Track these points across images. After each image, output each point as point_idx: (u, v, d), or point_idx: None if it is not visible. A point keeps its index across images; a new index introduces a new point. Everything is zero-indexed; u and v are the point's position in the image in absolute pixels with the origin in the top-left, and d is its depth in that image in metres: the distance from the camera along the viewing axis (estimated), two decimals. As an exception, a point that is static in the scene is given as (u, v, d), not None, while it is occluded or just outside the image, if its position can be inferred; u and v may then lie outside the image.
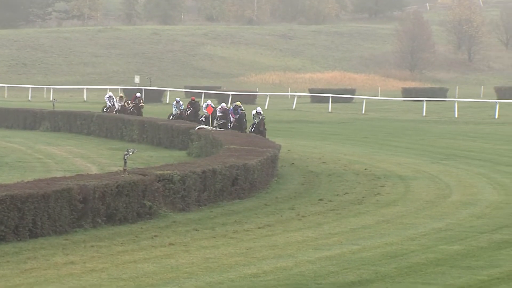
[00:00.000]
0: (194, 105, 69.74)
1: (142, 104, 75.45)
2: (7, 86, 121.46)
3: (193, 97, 74.12)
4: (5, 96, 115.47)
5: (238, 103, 61.64)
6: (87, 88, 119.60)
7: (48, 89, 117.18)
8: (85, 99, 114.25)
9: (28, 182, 33.52)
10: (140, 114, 72.80)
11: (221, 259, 27.37)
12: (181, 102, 71.14)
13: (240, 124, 58.68)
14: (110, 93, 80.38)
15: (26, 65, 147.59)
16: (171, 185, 36.15)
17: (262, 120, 57.92)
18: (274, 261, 27.06)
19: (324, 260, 27.06)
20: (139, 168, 38.78)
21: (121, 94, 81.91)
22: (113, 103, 76.60)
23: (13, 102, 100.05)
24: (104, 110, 77.15)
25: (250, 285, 24.12)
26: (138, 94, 78.87)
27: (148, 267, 26.38)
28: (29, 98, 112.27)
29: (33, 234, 30.26)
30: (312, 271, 25.60)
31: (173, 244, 29.94)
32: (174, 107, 71.37)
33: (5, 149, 57.71)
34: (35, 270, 25.96)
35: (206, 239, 30.78)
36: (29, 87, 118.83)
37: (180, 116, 68.64)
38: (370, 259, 27.29)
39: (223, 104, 57.04)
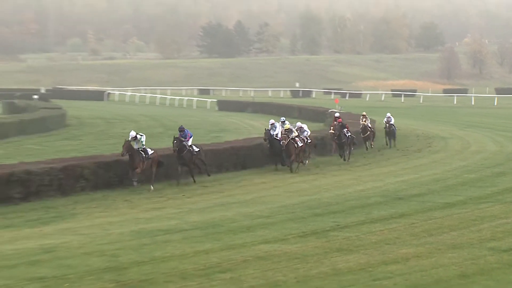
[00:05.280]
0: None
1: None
2: (225, 89, 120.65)
3: (340, 119, 36.14)
4: (223, 94, 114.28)
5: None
6: (271, 90, 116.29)
7: (250, 91, 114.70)
8: (269, 95, 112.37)
9: (239, 140, 34.29)
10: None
11: (343, 182, 27.45)
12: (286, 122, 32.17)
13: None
14: (271, 120, 32.41)
15: (239, 77, 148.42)
16: (368, 133, 38.67)
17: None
18: (372, 183, 26.99)
19: (400, 183, 26.88)
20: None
21: (364, 113, 41.59)
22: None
23: (233, 97, 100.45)
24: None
25: (358, 195, 24.01)
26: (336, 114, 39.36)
27: (303, 185, 26.55)
28: (240, 95, 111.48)
29: (244, 167, 30.71)
30: (393, 188, 25.53)
31: (317, 173, 30.08)
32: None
33: (229, 123, 57.32)
34: (244, 187, 26.47)
35: (335, 171, 30.86)
36: (239, 89, 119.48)
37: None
38: (425, 182, 27.12)
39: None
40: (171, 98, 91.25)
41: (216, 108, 78.90)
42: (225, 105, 78.88)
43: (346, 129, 34.91)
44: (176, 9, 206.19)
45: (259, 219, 20.03)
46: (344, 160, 34.25)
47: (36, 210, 21.37)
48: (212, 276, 14.24)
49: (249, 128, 52.39)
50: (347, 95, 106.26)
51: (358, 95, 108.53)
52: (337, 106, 58.16)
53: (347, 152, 34.68)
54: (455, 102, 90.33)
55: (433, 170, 30.38)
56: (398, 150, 38.70)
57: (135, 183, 25.21)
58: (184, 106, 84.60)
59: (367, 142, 39.60)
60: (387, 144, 40.57)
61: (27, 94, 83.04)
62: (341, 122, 35.17)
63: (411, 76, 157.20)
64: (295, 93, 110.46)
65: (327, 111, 56.37)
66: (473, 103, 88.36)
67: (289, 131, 30.92)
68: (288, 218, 20.16)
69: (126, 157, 25.17)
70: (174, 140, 26.87)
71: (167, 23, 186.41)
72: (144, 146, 25.88)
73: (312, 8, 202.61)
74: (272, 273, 14.44)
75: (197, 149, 27.57)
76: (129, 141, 25.37)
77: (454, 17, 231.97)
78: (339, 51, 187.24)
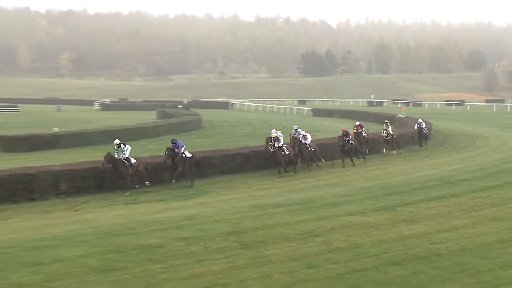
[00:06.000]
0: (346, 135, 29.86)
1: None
2: (318, 100, 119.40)
3: (344, 129, 30.33)
4: (316, 104, 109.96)
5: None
6: (352, 100, 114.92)
7: (337, 101, 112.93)
8: (351, 105, 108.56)
9: (328, 138, 32.79)
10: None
11: (407, 170, 26.77)
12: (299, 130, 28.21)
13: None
14: (273, 130, 26.54)
15: (328, 91, 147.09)
16: (389, 138, 32.90)
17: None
18: (430, 170, 26.24)
19: (450, 171, 26.00)
20: (372, 133, 35.88)
21: (386, 120, 35.84)
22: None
23: (323, 106, 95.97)
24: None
25: (419, 180, 23.41)
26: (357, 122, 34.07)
27: (377, 172, 26.05)
28: (329, 104, 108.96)
29: (332, 158, 29.65)
30: (446, 175, 24.80)
31: (387, 163, 29.40)
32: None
33: (320, 125, 55.74)
34: (332, 173, 26.05)
35: (401, 161, 30.06)
36: (328, 100, 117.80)
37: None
38: (470, 170, 26.15)
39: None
40: (278, 107, 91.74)
41: (311, 114, 78.53)
42: (317, 112, 78.37)
43: (348, 138, 29.15)
44: (282, 41, 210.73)
45: (343, 197, 19.96)
46: (354, 164, 28.90)
47: (181, 189, 22.00)
48: (308, 239, 14.37)
49: (335, 129, 51.28)
50: (410, 104, 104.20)
51: (419, 105, 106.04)
52: (403, 113, 57.13)
53: (352, 157, 29.21)
54: (494, 110, 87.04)
55: (477, 161, 29.52)
56: (450, 145, 37.27)
57: (128, 193, 20.90)
58: (287, 113, 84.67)
59: (388, 146, 33.79)
60: (420, 146, 36.20)
61: (174, 104, 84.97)
62: (345, 131, 29.44)
63: (460, 90, 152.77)
64: (370, 103, 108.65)
65: (395, 116, 55.11)
66: (508, 110, 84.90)
67: (276, 139, 25.78)
68: (365, 196, 20.03)
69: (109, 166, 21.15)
70: (166, 151, 22.63)
71: (275, 52, 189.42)
72: (127, 156, 21.65)
73: (384, 39, 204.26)
74: (353, 237, 14.48)
75: (189, 155, 23.22)
76: (110, 153, 21.23)
77: (494, 45, 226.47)
78: (405, 71, 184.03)
